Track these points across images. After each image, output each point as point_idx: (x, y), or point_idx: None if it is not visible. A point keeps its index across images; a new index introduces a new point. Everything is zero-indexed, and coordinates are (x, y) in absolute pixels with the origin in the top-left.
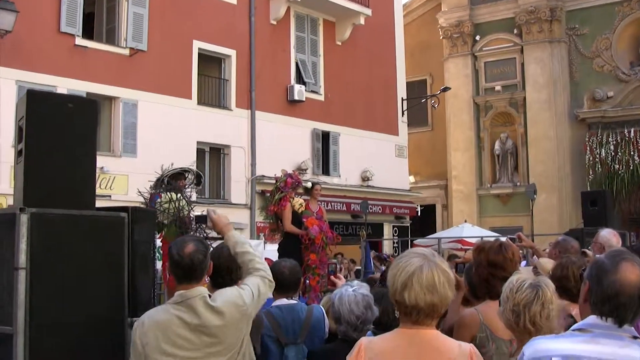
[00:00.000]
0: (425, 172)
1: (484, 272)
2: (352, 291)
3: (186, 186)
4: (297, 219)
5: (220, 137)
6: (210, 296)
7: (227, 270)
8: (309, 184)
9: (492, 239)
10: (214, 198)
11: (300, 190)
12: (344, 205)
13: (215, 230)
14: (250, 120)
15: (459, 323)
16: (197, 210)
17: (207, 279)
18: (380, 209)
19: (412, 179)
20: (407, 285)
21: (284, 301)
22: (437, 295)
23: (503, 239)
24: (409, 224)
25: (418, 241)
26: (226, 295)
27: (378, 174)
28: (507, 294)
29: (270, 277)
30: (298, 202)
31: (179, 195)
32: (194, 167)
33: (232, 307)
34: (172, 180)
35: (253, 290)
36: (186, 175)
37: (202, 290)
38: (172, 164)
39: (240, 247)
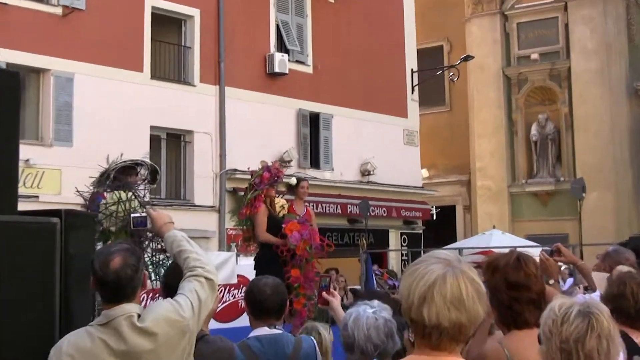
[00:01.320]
0: (442, 164)
1: (504, 297)
2: (371, 313)
3: (138, 183)
4: (277, 224)
5: (180, 120)
6: (140, 315)
7: None
8: (293, 180)
9: (506, 251)
10: (172, 198)
11: (282, 188)
12: (339, 207)
13: (153, 231)
14: (218, 98)
15: None
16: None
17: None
18: (384, 212)
19: (425, 173)
20: (427, 298)
21: (264, 330)
22: (464, 312)
23: (534, 250)
24: (421, 231)
25: None
26: (156, 312)
27: (382, 166)
28: (549, 328)
29: (210, 274)
30: (279, 203)
31: (129, 194)
32: (148, 159)
33: (165, 325)
34: (120, 175)
35: (191, 299)
36: (138, 170)
37: (128, 308)
38: (121, 155)
39: (177, 246)
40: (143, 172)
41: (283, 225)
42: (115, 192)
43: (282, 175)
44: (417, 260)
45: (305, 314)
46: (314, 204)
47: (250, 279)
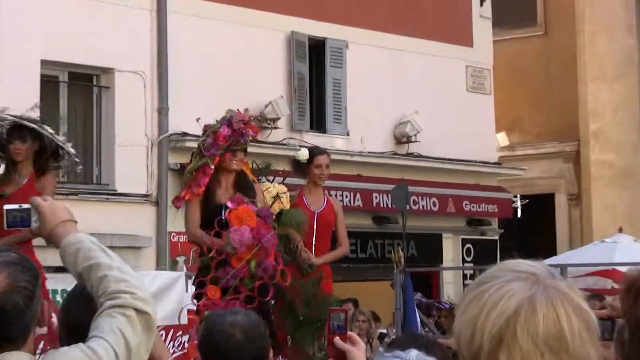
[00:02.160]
0: (532, 124)
1: None
2: None
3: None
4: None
5: (92, 51)
6: None
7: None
8: (303, 153)
9: None
10: (78, 181)
11: (247, 147)
12: (358, 196)
13: (43, 234)
14: (156, 15)
15: None
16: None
17: None
18: (434, 205)
19: (503, 139)
20: (505, 339)
21: None
22: (567, 358)
23: None
24: (497, 237)
25: None
26: None
27: (431, 129)
28: None
29: (144, 303)
30: (270, 190)
31: None
32: (34, 115)
33: None
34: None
35: (114, 344)
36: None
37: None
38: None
39: (84, 258)
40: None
41: (229, 208)
42: None
43: (252, 134)
44: (482, 276)
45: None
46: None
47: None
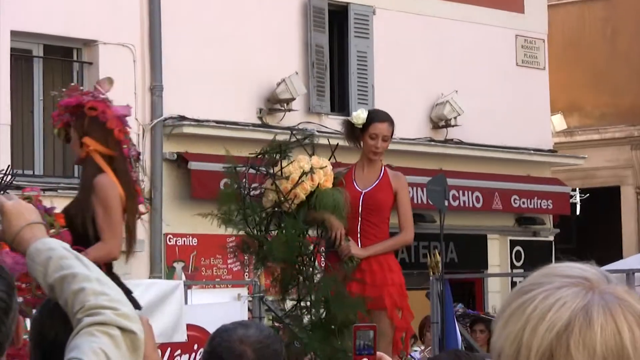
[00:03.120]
0: (594, 106)
1: None
2: None
3: None
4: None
5: (71, 21)
6: None
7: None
8: (360, 116)
9: None
10: (59, 176)
11: None
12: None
13: (6, 239)
14: None
15: None
16: None
17: None
18: (477, 200)
19: (559, 122)
20: (557, 354)
21: None
22: None
23: None
24: (552, 238)
25: None
26: None
27: (473, 111)
28: None
29: (128, 321)
30: (307, 165)
31: None
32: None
33: None
34: None
35: None
36: None
37: None
38: None
39: (56, 267)
40: None
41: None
42: None
43: (97, 102)
44: (525, 283)
45: None
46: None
47: (213, 330)
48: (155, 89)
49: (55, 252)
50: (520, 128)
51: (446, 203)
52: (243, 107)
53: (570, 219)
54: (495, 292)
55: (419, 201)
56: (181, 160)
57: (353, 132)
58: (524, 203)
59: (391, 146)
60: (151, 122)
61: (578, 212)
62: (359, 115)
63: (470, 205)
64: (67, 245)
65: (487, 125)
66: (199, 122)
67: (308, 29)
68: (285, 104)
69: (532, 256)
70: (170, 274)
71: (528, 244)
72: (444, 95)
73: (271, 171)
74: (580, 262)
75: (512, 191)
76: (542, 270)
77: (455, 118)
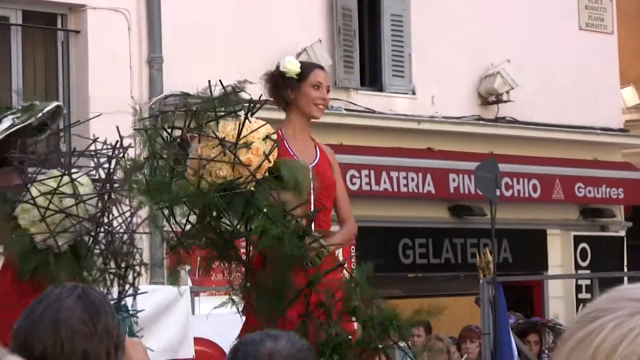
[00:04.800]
0: None
1: None
2: None
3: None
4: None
5: None
6: None
7: None
8: (290, 62)
9: None
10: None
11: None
12: (429, 178)
13: None
14: None
15: None
16: None
17: None
18: (535, 189)
19: (631, 96)
20: None
21: None
22: None
23: None
24: (623, 232)
25: None
26: None
27: (528, 84)
28: None
29: None
30: (262, 129)
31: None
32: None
33: None
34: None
35: None
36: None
37: None
38: None
39: None
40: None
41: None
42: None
43: None
44: (589, 309)
45: None
46: (370, 170)
47: (230, 345)
48: (154, 62)
49: None
50: (584, 104)
51: (498, 193)
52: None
53: None
54: (557, 298)
55: (466, 191)
56: (185, 142)
57: (281, 86)
58: (590, 192)
59: (433, 126)
60: (149, 100)
61: None
62: (293, 62)
63: (527, 195)
64: None
65: (545, 100)
66: (203, 99)
67: None
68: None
69: (600, 254)
70: (174, 279)
71: (595, 240)
72: (494, 65)
73: (220, 136)
74: None
75: (575, 178)
76: (609, 294)
77: (507, 92)
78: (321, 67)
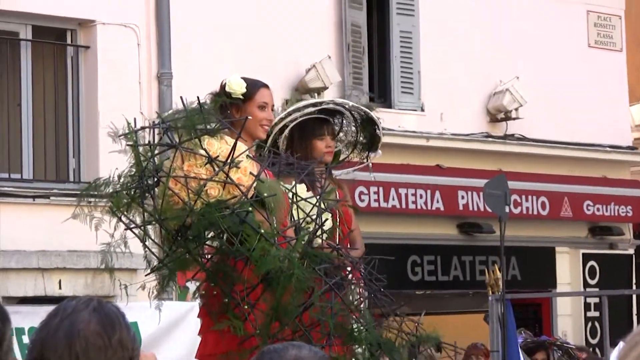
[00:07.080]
0: None
1: None
2: None
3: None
4: None
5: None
6: None
7: None
8: (236, 82)
9: None
10: (52, 180)
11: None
12: (438, 195)
13: None
14: None
15: None
16: None
17: None
18: (544, 206)
19: None
20: None
21: None
22: None
23: None
24: (631, 250)
25: None
26: None
27: (536, 100)
28: None
29: None
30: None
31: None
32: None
33: None
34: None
35: None
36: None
37: None
38: None
39: None
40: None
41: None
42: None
43: None
44: (636, 333)
45: None
46: (378, 187)
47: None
48: (163, 77)
49: None
50: (593, 121)
51: (507, 210)
52: None
53: None
54: (566, 315)
55: (475, 208)
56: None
57: (226, 107)
58: (598, 210)
59: (441, 143)
60: (161, 113)
61: None
62: (239, 82)
63: (535, 212)
64: None
65: (553, 117)
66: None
67: (343, 6)
68: (316, 94)
69: (609, 272)
70: (182, 295)
71: (604, 258)
72: (503, 82)
73: (207, 154)
74: None
75: (584, 196)
76: None
77: (516, 110)
78: (266, 86)
